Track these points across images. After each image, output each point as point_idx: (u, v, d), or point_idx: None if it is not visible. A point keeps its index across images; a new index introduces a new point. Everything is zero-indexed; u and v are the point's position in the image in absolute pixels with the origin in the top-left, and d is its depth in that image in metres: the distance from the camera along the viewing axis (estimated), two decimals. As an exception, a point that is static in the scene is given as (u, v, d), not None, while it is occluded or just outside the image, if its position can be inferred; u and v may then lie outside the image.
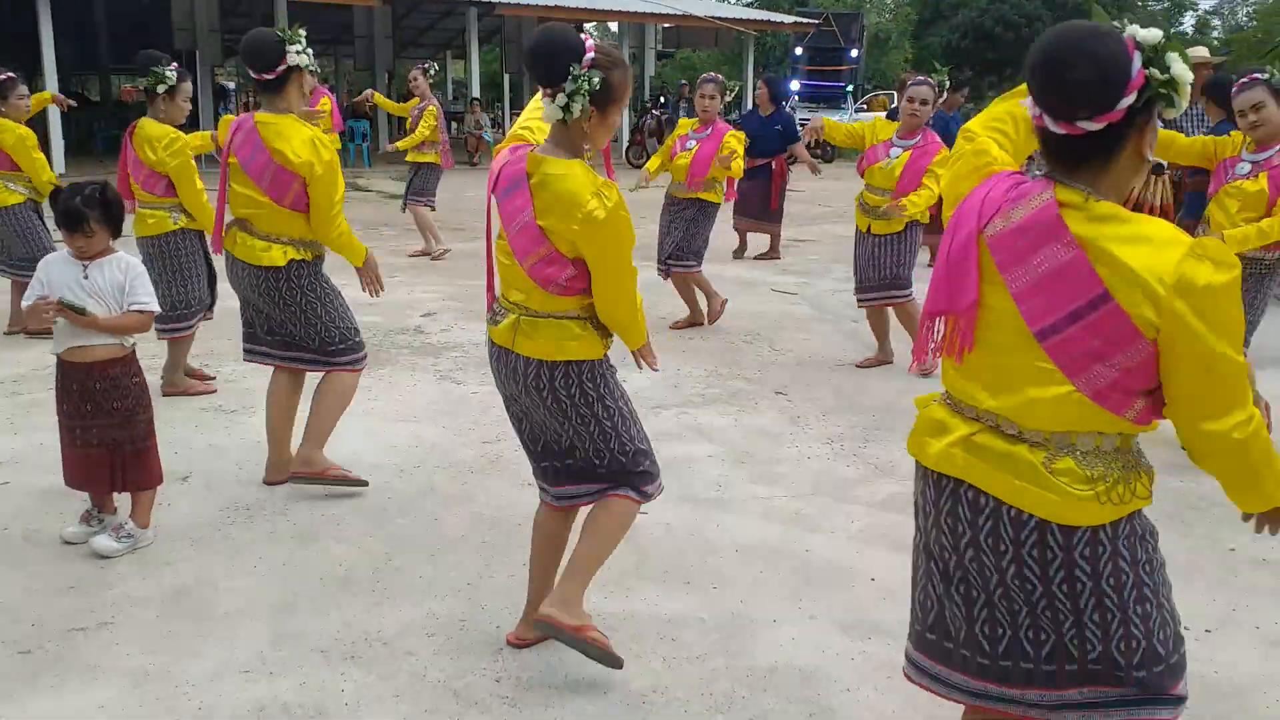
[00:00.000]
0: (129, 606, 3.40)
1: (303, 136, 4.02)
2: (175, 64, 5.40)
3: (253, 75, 4.06)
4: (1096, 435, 1.99)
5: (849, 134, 6.57)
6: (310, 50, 4.12)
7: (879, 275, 6.25)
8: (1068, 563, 2.02)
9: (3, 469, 4.57)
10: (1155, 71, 1.87)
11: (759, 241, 10.74)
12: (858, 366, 6.41)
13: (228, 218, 4.27)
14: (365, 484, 4.34)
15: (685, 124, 7.36)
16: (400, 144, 10.15)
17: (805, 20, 27.37)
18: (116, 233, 3.75)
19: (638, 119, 25.36)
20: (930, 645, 2.26)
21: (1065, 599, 2.04)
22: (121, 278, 3.71)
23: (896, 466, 4.70)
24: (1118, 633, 2.03)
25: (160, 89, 5.32)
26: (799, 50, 29.63)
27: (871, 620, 3.35)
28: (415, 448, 4.92)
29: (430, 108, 9.97)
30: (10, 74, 6.97)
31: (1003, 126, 2.34)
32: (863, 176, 6.31)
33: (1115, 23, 1.93)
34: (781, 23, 26.62)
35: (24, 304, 3.73)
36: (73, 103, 7.56)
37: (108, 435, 3.74)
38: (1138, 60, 1.86)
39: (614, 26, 31.45)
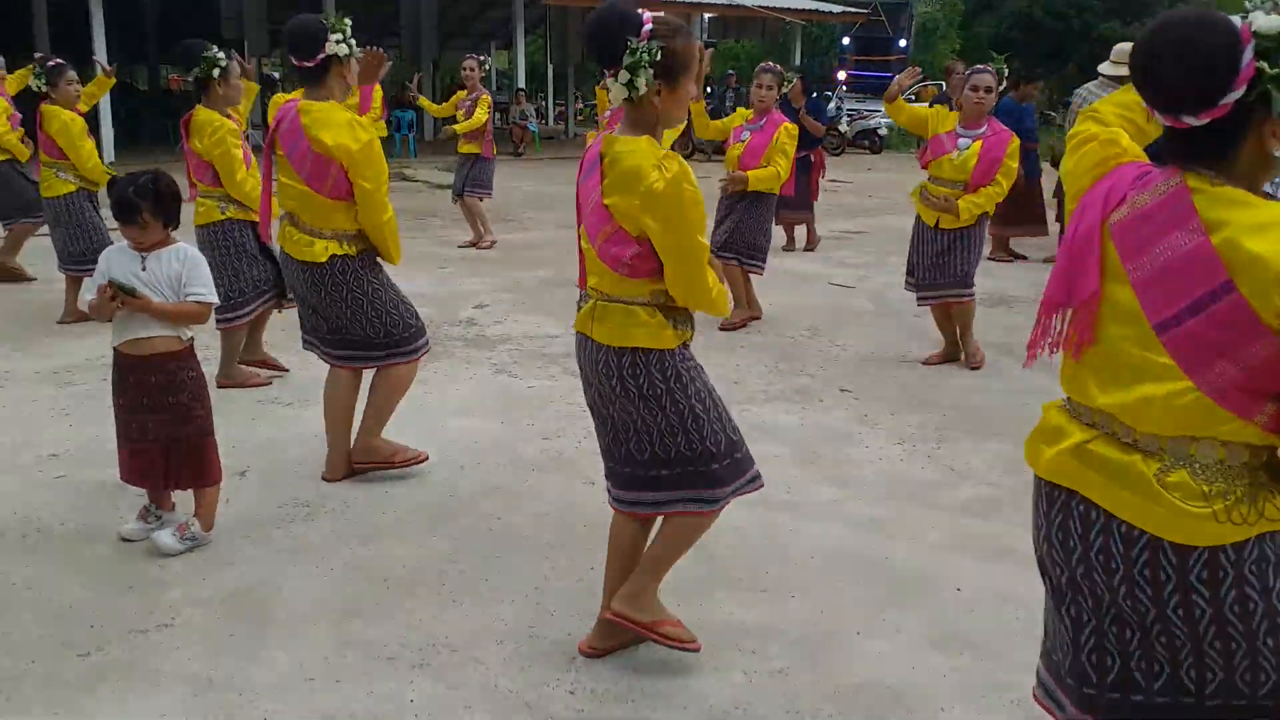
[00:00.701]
0: (189, 608, 3.30)
1: (339, 120, 3.91)
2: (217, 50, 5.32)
3: (294, 62, 3.96)
4: (1218, 445, 1.82)
5: (912, 117, 6.36)
6: (354, 41, 3.99)
7: (948, 273, 5.99)
8: (1183, 585, 1.85)
9: (59, 462, 4.50)
10: (1266, 65, 1.70)
11: (800, 234, 10.62)
12: (923, 363, 6.21)
13: (279, 211, 4.18)
14: (426, 457, 4.39)
15: (741, 114, 7.18)
16: (459, 127, 10.06)
17: (854, 10, 27.02)
18: (172, 223, 3.65)
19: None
20: (1054, 666, 2.11)
21: (1181, 624, 1.87)
22: (179, 268, 3.61)
23: (973, 469, 4.52)
24: (1242, 664, 1.85)
25: (215, 73, 5.24)
26: (846, 40, 29.29)
27: (962, 634, 3.18)
28: (474, 444, 4.80)
29: (484, 96, 9.92)
30: (59, 60, 6.93)
31: (1133, 115, 2.17)
32: (926, 169, 6.07)
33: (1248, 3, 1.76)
34: (830, 12, 26.25)
35: (84, 296, 3.64)
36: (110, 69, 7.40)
37: (163, 431, 3.64)
38: (1249, 52, 1.70)
39: (660, 16, 31.19)
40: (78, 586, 3.42)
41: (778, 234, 10.65)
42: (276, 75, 33.69)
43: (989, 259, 10.44)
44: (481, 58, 10.50)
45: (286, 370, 5.80)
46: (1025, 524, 3.97)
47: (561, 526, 3.91)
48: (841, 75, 28.01)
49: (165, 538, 3.66)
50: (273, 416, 5.13)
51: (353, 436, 4.33)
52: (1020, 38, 39.97)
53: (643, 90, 2.63)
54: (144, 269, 3.58)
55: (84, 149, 6.63)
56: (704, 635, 3.13)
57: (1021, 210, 9.22)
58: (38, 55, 6.93)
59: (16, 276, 8.16)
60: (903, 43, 29.12)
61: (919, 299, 6.21)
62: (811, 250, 10.44)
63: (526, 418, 5.17)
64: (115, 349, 3.67)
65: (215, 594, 3.39)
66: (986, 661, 3.04)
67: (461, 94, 10.24)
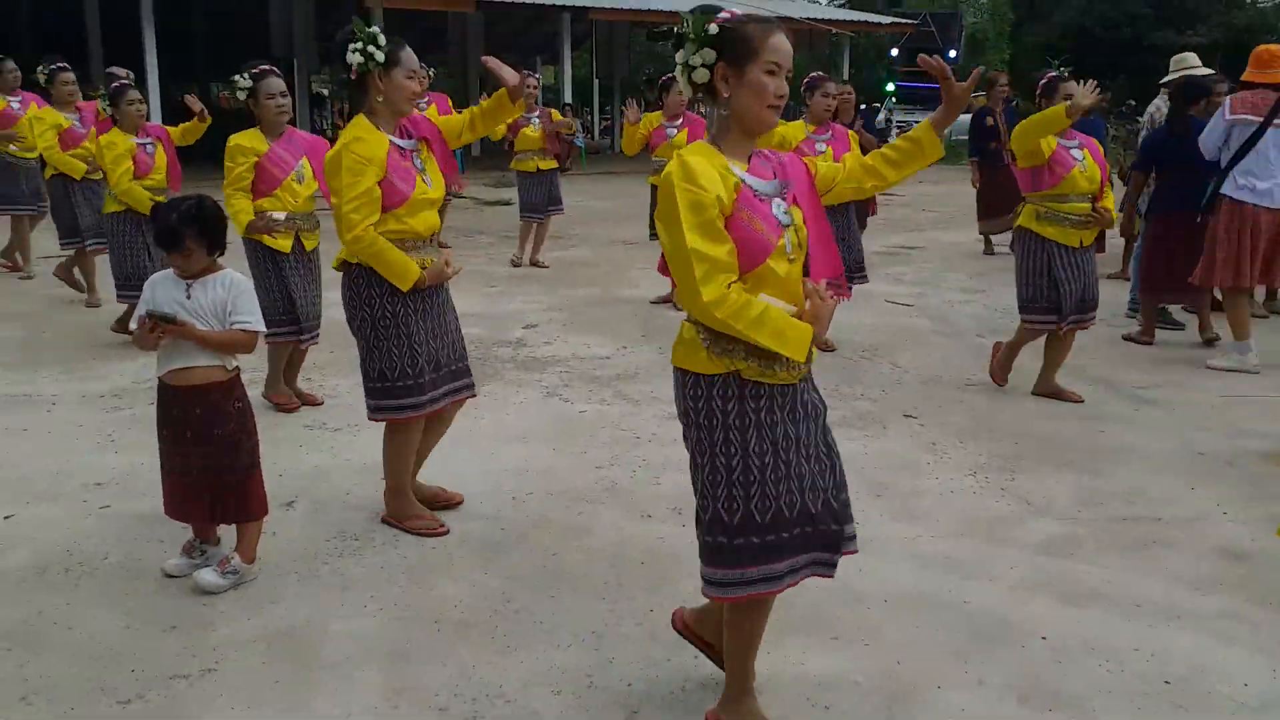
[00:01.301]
0: (233, 651, 3.16)
1: (344, 135, 3.76)
2: (261, 66, 5.23)
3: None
4: None
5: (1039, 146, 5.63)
6: (375, 51, 3.75)
7: (1095, 291, 5.64)
8: None
9: (103, 492, 4.40)
10: None
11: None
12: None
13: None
14: (444, 530, 4.03)
15: (800, 127, 6.94)
16: (562, 128, 10.40)
17: (903, 21, 26.77)
18: (217, 249, 3.54)
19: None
20: None
21: None
22: (224, 295, 3.50)
23: (1052, 502, 4.29)
24: None
25: (241, 96, 5.16)
26: (894, 51, 29.04)
27: (1050, 687, 2.96)
28: (525, 472, 4.65)
29: (554, 111, 10.21)
30: (124, 81, 6.87)
31: None
32: (1049, 188, 5.46)
33: None
34: (879, 23, 26.02)
35: (132, 325, 3.54)
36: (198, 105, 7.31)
37: (208, 464, 3.52)
38: None
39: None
40: (119, 626, 3.30)
41: None
42: (325, 92, 33.98)
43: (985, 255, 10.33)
44: (537, 74, 10.54)
45: (321, 402, 5.66)
46: (1108, 563, 3.78)
47: (618, 563, 3.74)
48: (890, 87, 27.75)
49: (207, 576, 3.53)
50: (321, 443, 5.01)
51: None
52: (1071, 48, 39.46)
53: (702, 78, 2.45)
54: (189, 297, 3.46)
55: (117, 170, 6.48)
56: (773, 688, 2.95)
57: None
58: (107, 71, 6.86)
59: (76, 285, 8.25)
60: (953, 53, 28.77)
61: (1078, 323, 5.64)
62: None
63: (578, 445, 5.01)
64: (159, 379, 3.56)
65: (260, 635, 3.25)
66: (1077, 719, 2.82)
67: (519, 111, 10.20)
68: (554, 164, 10.07)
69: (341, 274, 3.91)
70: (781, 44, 2.43)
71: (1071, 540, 3.94)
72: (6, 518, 4.13)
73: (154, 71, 17.38)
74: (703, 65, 2.44)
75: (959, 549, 3.86)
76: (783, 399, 2.54)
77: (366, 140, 3.69)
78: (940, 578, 3.62)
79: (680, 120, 8.50)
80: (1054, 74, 5.71)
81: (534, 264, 10.25)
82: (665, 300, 8.14)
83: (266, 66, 5.19)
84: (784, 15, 17.51)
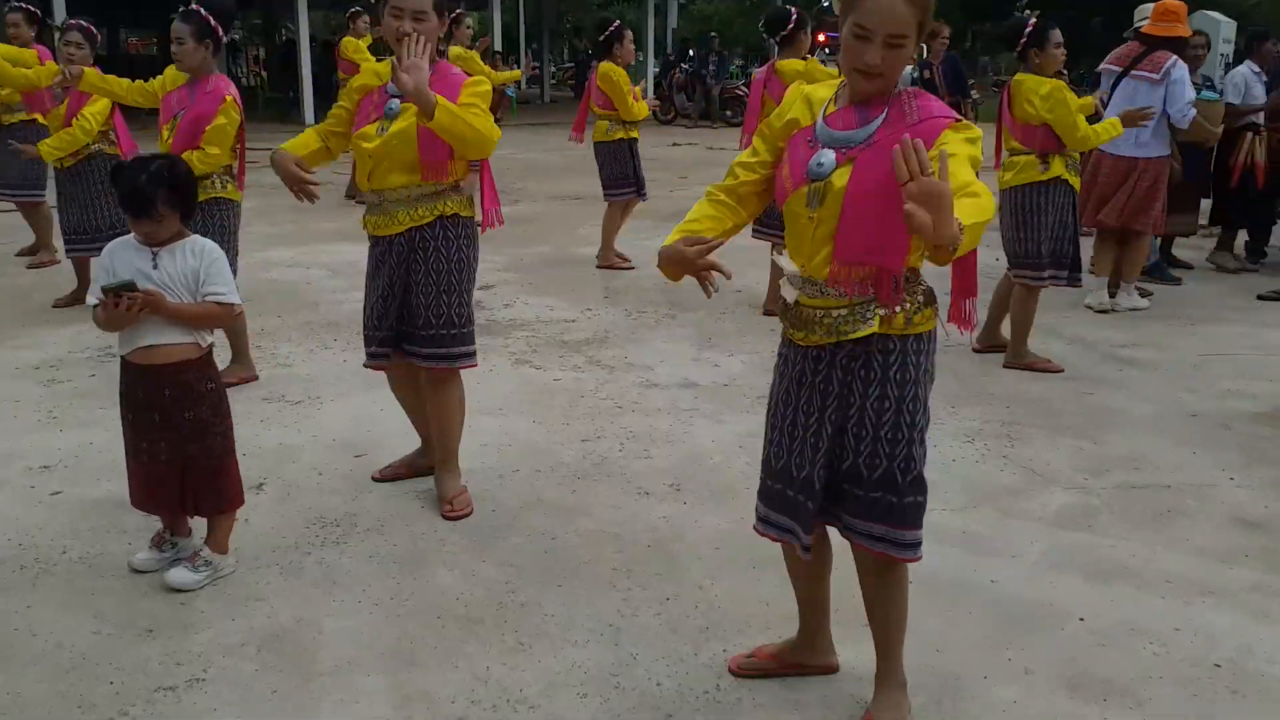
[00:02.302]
0: (221, 657, 2.89)
1: None
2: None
3: None
4: None
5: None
6: None
7: None
8: None
9: (52, 476, 4.06)
10: None
11: None
12: (976, 350, 5.79)
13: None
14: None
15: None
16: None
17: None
18: (188, 215, 3.22)
19: (659, 73, 24.67)
20: None
21: None
22: (195, 264, 3.17)
23: (1056, 471, 4.17)
24: None
25: None
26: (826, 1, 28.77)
27: (1100, 675, 2.83)
28: (508, 447, 4.40)
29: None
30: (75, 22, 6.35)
31: None
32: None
33: None
34: (810, -27, 25.69)
35: (88, 299, 3.19)
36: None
37: (178, 450, 3.21)
38: None
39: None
40: (89, 631, 3.00)
41: None
42: (236, 38, 32.76)
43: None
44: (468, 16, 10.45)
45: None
46: (1128, 535, 3.67)
47: (623, 547, 3.53)
48: (821, 37, 27.51)
49: (180, 573, 3.24)
50: (284, 418, 4.70)
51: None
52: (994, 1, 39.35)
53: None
54: (156, 267, 3.14)
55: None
56: (811, 682, 2.78)
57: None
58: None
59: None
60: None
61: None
62: None
63: (558, 416, 4.78)
64: (123, 358, 3.23)
65: (248, 638, 2.98)
66: (1133, 709, 2.69)
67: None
68: None
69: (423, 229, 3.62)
70: (878, 5, 2.15)
71: (1087, 511, 3.83)
72: (-54, 509, 3.78)
73: (62, 12, 16.46)
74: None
75: (974, 523, 3.72)
76: (793, 355, 2.48)
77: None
78: (962, 556, 3.47)
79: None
80: (1038, 20, 5.46)
81: None
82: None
83: (192, 7, 4.78)
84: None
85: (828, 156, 2.28)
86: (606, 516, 3.76)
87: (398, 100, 3.48)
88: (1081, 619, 3.10)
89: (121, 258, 3.17)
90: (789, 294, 2.39)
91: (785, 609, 2.96)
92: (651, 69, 24.62)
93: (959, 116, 2.30)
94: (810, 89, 2.44)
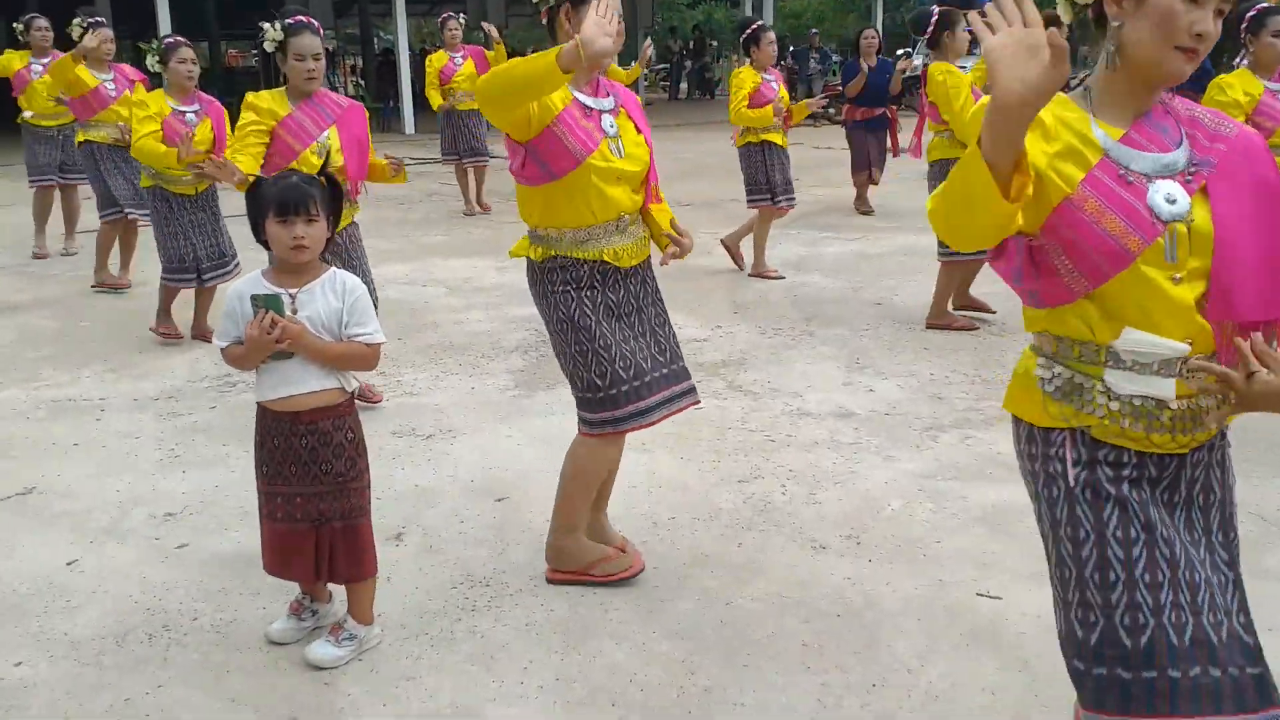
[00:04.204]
0: (376, 755, 2.55)
1: None
2: (298, 16, 4.48)
3: None
4: None
5: None
6: None
7: None
8: None
9: (177, 526, 3.78)
10: None
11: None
12: None
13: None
14: (640, 568, 3.34)
15: (978, 68, 6.10)
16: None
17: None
18: (336, 223, 2.93)
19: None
20: None
21: None
22: (338, 303, 2.85)
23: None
24: None
25: (269, 48, 4.45)
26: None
27: None
28: (658, 489, 4.02)
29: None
30: (177, 38, 6.14)
31: None
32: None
33: None
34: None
35: (217, 341, 2.89)
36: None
37: (314, 507, 2.89)
38: None
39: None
40: (229, 716, 2.69)
41: (833, 195, 10.94)
42: (331, 49, 33.04)
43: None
44: (456, 16, 10.50)
45: (379, 399, 4.98)
46: None
47: (809, 616, 3.12)
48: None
49: (321, 649, 2.91)
50: (416, 455, 4.38)
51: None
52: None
53: None
54: (295, 310, 2.81)
55: (142, 130, 5.75)
56: None
57: None
58: (163, 35, 6.18)
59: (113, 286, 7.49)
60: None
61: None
62: (870, 213, 10.32)
63: (707, 452, 4.38)
64: (259, 404, 2.92)
65: (404, 729, 2.64)
66: None
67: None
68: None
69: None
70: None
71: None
72: (70, 564, 3.51)
73: (166, 26, 16.57)
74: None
75: None
76: (1159, 475, 1.83)
77: None
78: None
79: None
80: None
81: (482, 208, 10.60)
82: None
83: (304, 19, 4.46)
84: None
85: (1174, 190, 1.75)
86: (783, 577, 3.35)
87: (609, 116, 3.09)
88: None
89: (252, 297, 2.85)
90: (1159, 389, 1.77)
91: (1015, 697, 2.52)
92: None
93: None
94: (1044, 111, 1.73)
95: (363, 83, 25.59)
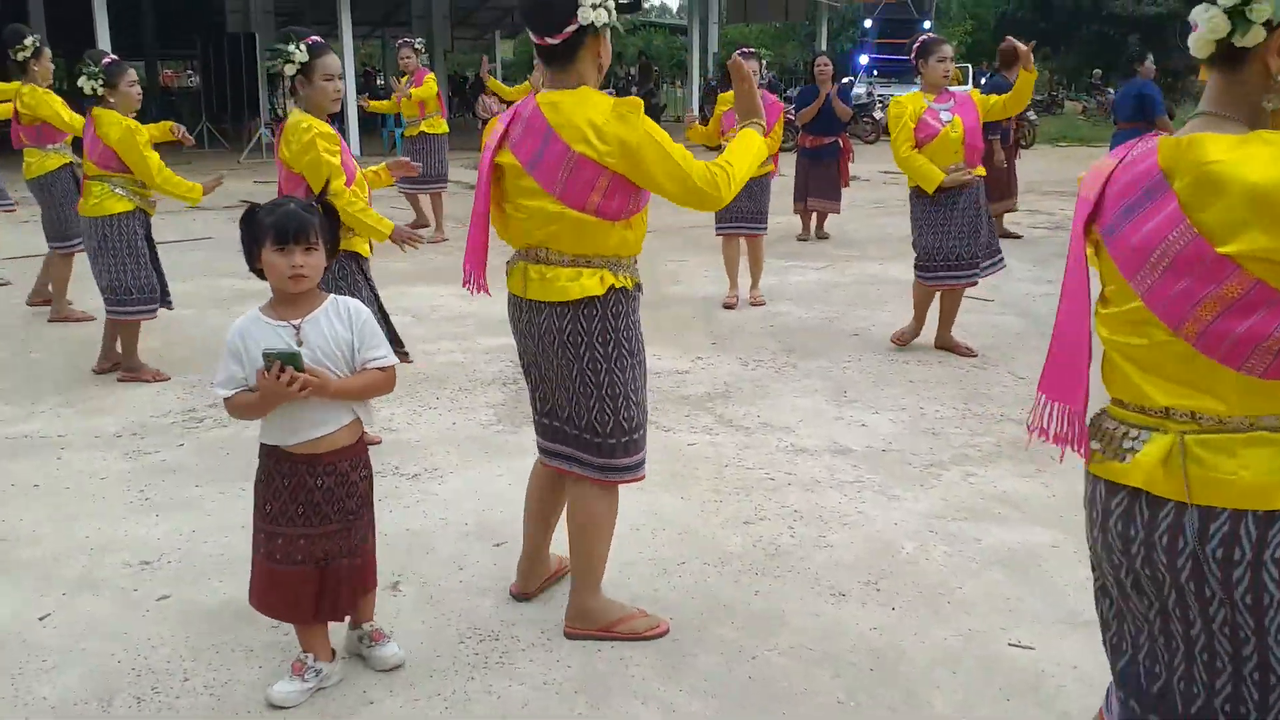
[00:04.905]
0: (401, 833, 2.36)
1: (604, 109, 2.80)
2: (313, 36, 4.27)
3: (533, 39, 2.92)
4: None
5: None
6: (612, 5, 2.92)
7: None
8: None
9: (155, 575, 3.55)
10: None
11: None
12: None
13: (506, 250, 3.12)
14: (665, 629, 3.19)
15: (913, 98, 6.01)
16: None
17: (882, -10, 26.11)
18: (333, 254, 2.77)
19: (702, 98, 24.24)
20: None
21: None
22: (347, 332, 2.71)
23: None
24: None
25: (290, 71, 4.21)
26: (868, 23, 28.36)
27: None
28: (661, 531, 3.87)
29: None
30: (116, 57, 5.90)
31: None
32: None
33: None
34: (858, -7, 25.33)
35: (218, 389, 2.70)
36: (190, 140, 6.64)
37: (319, 548, 2.74)
38: None
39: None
40: (234, 795, 2.49)
41: (790, 223, 10.76)
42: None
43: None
44: (414, 43, 10.53)
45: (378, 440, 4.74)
46: None
47: (840, 669, 2.98)
48: (864, 60, 27.12)
49: (384, 650, 2.94)
50: (404, 496, 4.19)
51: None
52: (1029, 16, 38.96)
53: (1261, 9, 1.64)
54: (301, 342, 2.64)
55: (153, 160, 5.53)
56: None
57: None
58: (89, 52, 5.89)
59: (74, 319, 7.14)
60: (927, 24, 28.16)
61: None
62: (823, 239, 10.46)
63: (708, 491, 4.24)
64: (268, 445, 2.75)
65: (427, 804, 2.45)
66: None
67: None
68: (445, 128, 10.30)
69: (595, 304, 2.90)
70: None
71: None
72: (43, 619, 3.27)
73: (106, 44, 16.14)
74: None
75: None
76: None
77: None
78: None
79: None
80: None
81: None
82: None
83: (319, 38, 4.28)
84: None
85: None
86: (807, 628, 3.21)
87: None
88: None
89: (256, 334, 2.67)
90: None
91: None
92: (697, 96, 24.14)
93: None
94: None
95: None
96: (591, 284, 2.87)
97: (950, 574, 3.53)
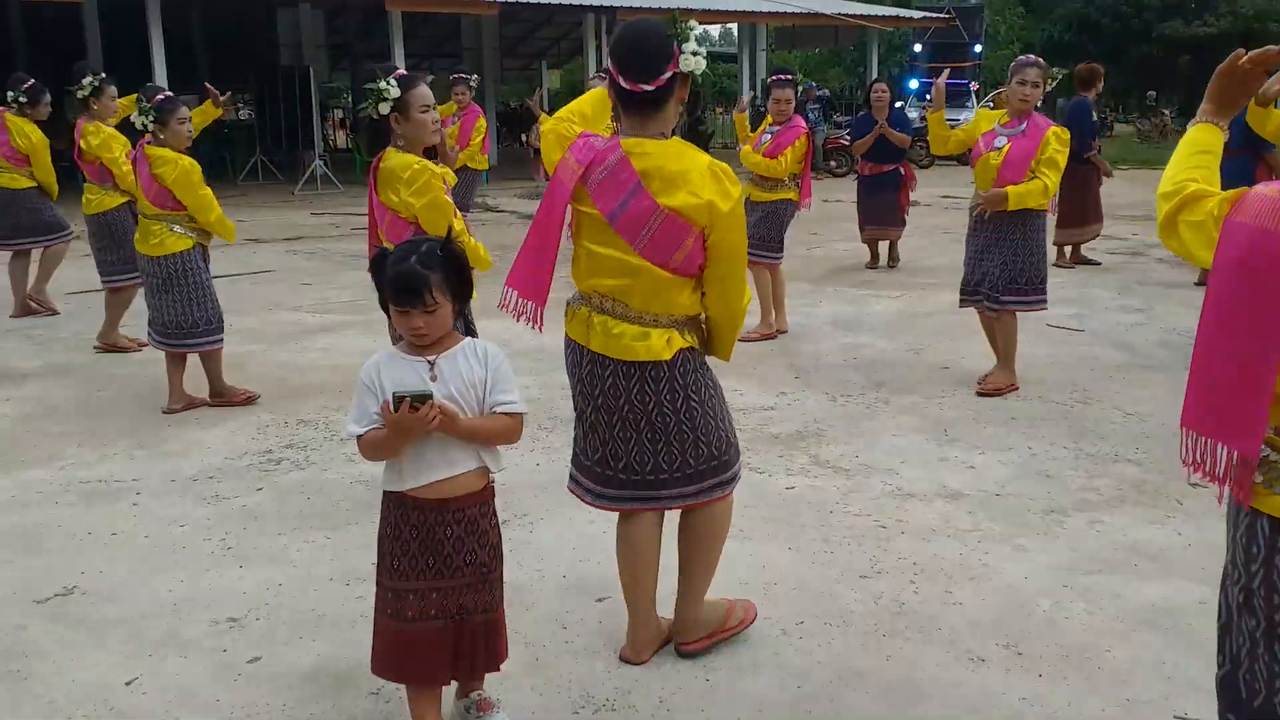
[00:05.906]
0: None
1: (699, 166, 2.75)
2: (397, 70, 4.10)
3: (624, 86, 2.76)
4: None
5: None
6: (701, 52, 2.84)
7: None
8: None
9: (244, 634, 3.36)
10: None
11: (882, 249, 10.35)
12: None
13: (569, 290, 3.05)
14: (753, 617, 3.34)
15: (988, 115, 5.93)
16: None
17: (934, 15, 25.86)
18: (465, 304, 2.60)
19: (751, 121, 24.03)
20: None
21: None
22: (480, 370, 2.57)
23: None
24: None
25: (385, 109, 4.02)
26: (918, 47, 28.12)
27: None
28: (773, 586, 3.63)
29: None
30: (170, 94, 5.85)
31: None
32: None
33: None
34: (910, 18, 25.12)
35: (350, 426, 2.53)
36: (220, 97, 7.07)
37: (454, 601, 2.58)
38: None
39: (733, 27, 30.12)
40: None
41: (862, 251, 10.48)
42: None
43: (1055, 264, 9.39)
44: (472, 79, 10.47)
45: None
46: None
47: (994, 745, 2.73)
48: (914, 84, 26.88)
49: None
50: (496, 548, 3.97)
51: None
52: (1076, 40, 38.55)
53: None
54: (434, 378, 2.49)
55: (206, 197, 5.53)
56: None
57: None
58: (147, 86, 5.84)
59: (41, 310, 7.66)
60: (978, 48, 27.91)
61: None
62: (894, 267, 10.21)
63: (816, 540, 4.00)
64: (392, 493, 2.59)
65: None
66: None
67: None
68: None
69: (663, 367, 2.86)
70: None
71: None
72: (129, 683, 3.08)
73: (162, 77, 16.27)
74: None
75: None
76: None
77: None
78: None
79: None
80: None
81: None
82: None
83: (409, 71, 4.12)
84: (814, 10, 16.65)
85: None
86: (951, 699, 2.95)
87: None
88: None
89: (391, 371, 2.53)
90: None
91: None
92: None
93: None
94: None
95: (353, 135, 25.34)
96: (659, 345, 2.83)
97: (1095, 635, 3.25)
